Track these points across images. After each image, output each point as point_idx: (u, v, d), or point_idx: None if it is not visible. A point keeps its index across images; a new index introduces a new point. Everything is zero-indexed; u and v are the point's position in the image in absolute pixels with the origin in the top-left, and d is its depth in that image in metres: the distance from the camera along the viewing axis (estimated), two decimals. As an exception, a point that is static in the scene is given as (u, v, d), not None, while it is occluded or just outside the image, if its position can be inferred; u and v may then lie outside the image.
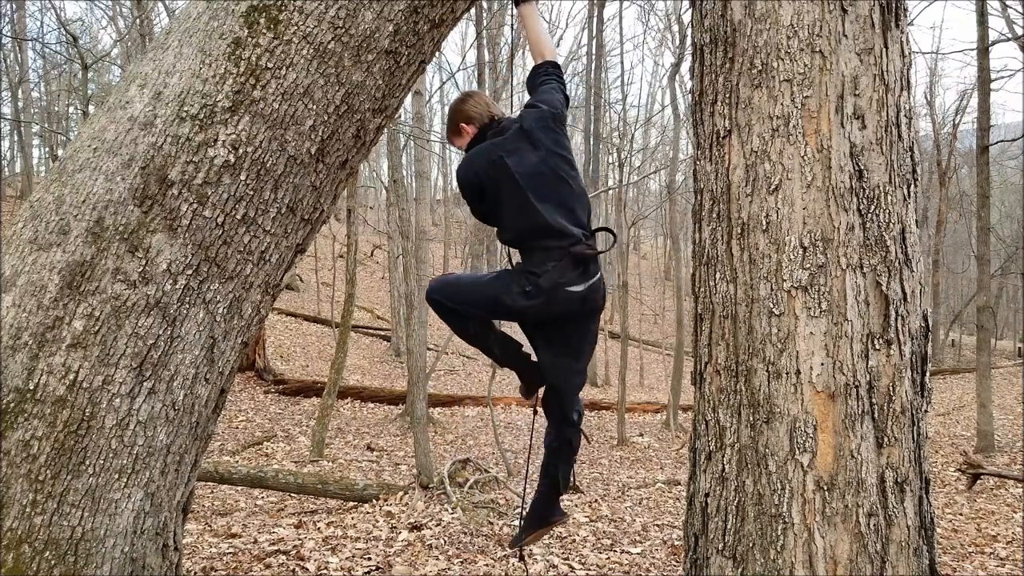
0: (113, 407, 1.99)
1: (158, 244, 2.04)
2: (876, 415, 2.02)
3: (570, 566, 4.36)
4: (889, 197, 2.06)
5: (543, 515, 2.96)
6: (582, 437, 2.95)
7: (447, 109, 2.86)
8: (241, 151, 2.09)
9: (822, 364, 2.01)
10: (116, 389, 2.00)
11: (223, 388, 2.27)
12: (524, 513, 3.01)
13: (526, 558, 4.40)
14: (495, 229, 2.81)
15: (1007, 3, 12.90)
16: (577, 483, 7.54)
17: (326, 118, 2.19)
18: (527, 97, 2.87)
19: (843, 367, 2.01)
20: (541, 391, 2.89)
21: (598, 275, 2.67)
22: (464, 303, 2.68)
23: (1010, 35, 12.37)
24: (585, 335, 2.75)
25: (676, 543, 4.91)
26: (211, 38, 2.11)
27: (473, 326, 2.73)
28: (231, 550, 4.52)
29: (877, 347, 2.03)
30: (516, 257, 2.76)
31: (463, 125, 2.76)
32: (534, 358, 2.79)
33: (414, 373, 7.63)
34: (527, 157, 2.58)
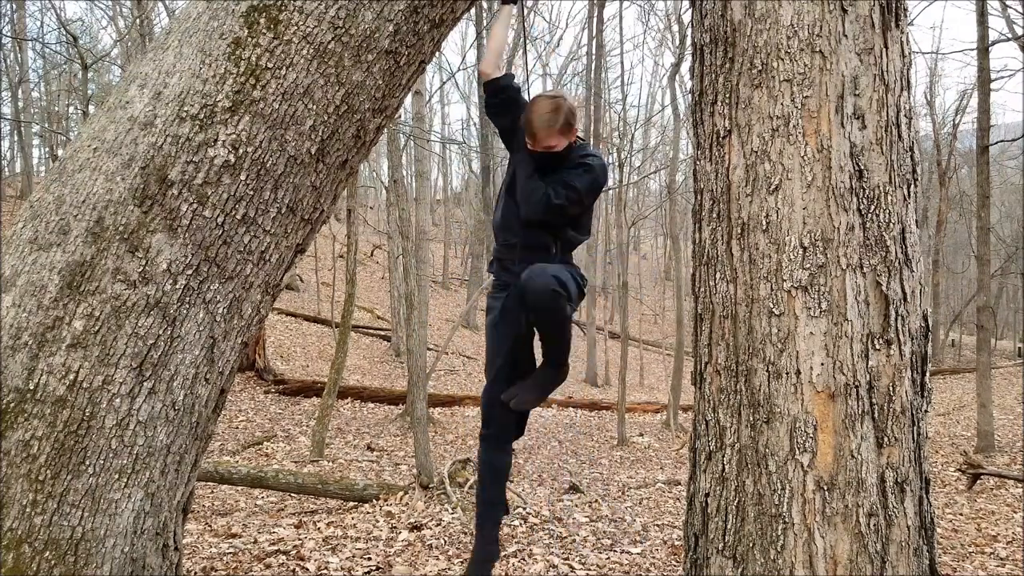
0: (113, 407, 1.99)
1: (158, 244, 2.04)
2: (876, 415, 2.02)
3: (570, 566, 4.36)
4: (889, 197, 2.06)
5: (495, 552, 2.74)
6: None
7: (565, 103, 2.65)
8: (241, 151, 2.09)
9: (822, 364, 2.01)
10: (116, 389, 2.00)
11: (223, 388, 2.27)
12: (478, 557, 2.71)
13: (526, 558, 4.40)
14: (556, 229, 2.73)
15: (1007, 3, 12.90)
16: (577, 483, 7.55)
17: (326, 118, 2.19)
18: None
19: (843, 367, 2.01)
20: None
21: None
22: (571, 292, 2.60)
23: (1010, 35, 12.37)
24: None
25: (676, 543, 4.91)
26: (211, 38, 2.10)
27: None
28: (231, 550, 4.52)
29: (877, 347, 2.03)
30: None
31: (576, 127, 2.68)
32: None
33: (414, 373, 7.63)
34: None
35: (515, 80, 2.84)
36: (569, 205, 2.56)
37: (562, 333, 2.62)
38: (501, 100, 2.77)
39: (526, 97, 2.87)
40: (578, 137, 2.76)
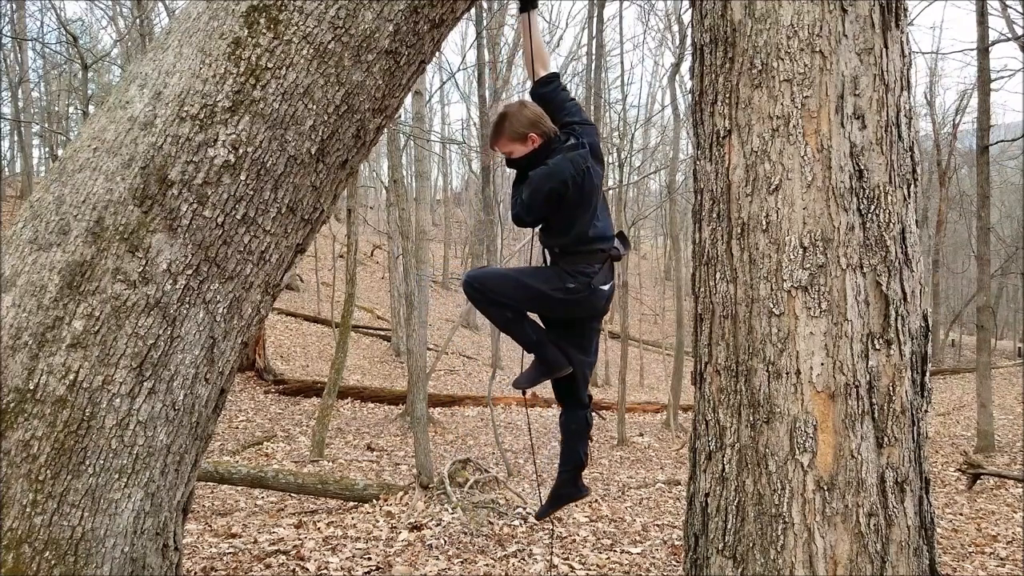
0: (113, 407, 1.99)
1: (158, 244, 2.04)
2: (876, 415, 2.02)
3: (570, 566, 4.36)
4: (889, 197, 2.06)
5: (570, 493, 3.22)
6: (594, 415, 3.26)
7: (510, 112, 2.79)
8: (241, 151, 2.09)
9: (822, 364, 2.01)
10: (116, 389, 2.00)
11: (223, 388, 2.27)
12: (551, 492, 3.23)
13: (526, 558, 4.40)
14: (535, 230, 2.94)
15: (1007, 3, 12.90)
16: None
17: (326, 118, 2.19)
18: (527, 97, 2.99)
19: (843, 367, 2.01)
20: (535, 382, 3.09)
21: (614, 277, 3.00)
22: (504, 294, 2.85)
23: (1010, 35, 12.37)
24: (595, 330, 3.08)
25: (676, 543, 4.91)
26: (211, 38, 2.10)
27: (512, 314, 2.90)
28: (231, 550, 4.52)
29: (877, 347, 2.03)
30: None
31: (533, 134, 2.76)
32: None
33: (414, 373, 7.63)
34: (597, 170, 2.82)
35: (551, 84, 2.95)
36: (524, 212, 2.75)
37: (498, 324, 2.97)
38: (539, 102, 2.94)
39: (570, 91, 3.09)
40: (550, 137, 2.78)
